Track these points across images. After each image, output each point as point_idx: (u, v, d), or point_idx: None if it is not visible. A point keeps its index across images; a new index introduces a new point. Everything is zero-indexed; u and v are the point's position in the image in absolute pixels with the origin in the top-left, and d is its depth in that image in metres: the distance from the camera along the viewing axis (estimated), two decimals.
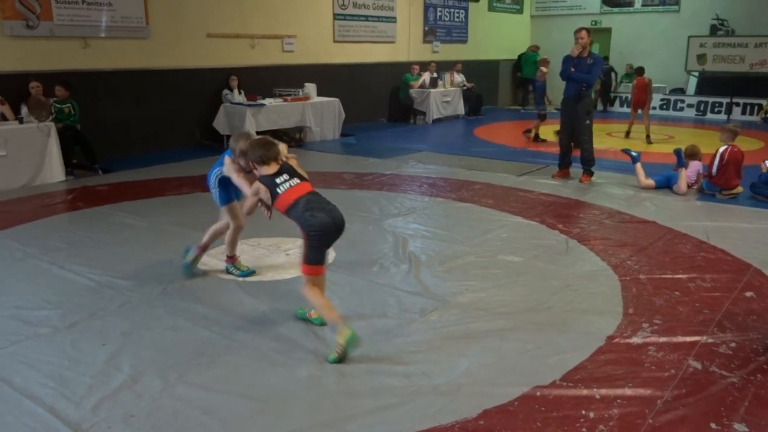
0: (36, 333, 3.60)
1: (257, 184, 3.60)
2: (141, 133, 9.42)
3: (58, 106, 7.88)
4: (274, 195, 3.52)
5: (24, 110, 7.52)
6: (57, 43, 8.36)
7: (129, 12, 9.01)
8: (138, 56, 9.26)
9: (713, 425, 2.75)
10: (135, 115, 9.31)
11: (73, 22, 8.44)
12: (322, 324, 3.66)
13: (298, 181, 3.58)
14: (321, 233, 3.40)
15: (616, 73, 16.36)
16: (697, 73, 15.95)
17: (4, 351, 3.39)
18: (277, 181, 3.54)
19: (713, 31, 15.93)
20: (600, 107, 15.64)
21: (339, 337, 3.28)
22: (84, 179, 7.73)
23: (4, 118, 7.42)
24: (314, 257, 3.43)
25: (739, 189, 6.89)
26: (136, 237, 5.42)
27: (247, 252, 4.99)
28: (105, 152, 8.43)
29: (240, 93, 10.19)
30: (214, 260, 4.79)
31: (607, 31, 17.32)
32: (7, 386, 3.04)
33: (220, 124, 9.97)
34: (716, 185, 6.92)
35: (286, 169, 3.61)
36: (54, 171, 7.51)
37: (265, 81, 10.87)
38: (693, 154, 7.33)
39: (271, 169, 3.59)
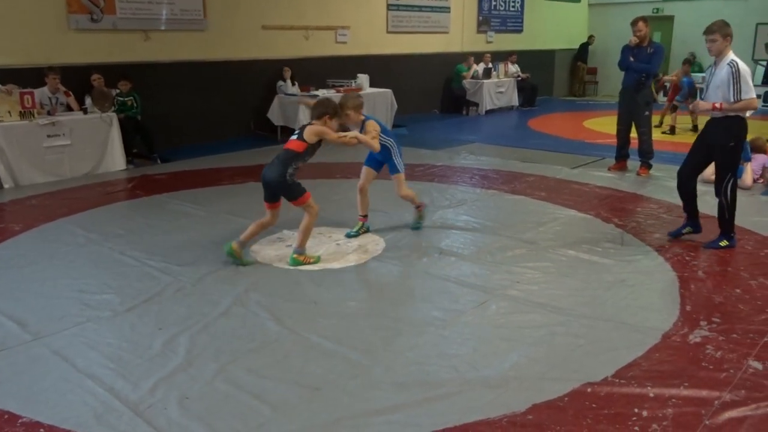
0: (97, 316, 3.75)
1: None
2: (198, 124, 9.65)
3: (121, 99, 8.14)
4: None
5: (88, 101, 7.81)
6: (119, 36, 8.63)
7: (188, 5, 9.22)
8: (196, 48, 9.48)
9: None
10: (192, 105, 9.53)
11: (135, 15, 8.70)
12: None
13: (294, 138, 4.42)
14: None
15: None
16: (765, 63, 15.26)
17: (67, 332, 3.54)
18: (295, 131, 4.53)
19: None
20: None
21: (231, 244, 4.48)
22: (143, 168, 7.98)
23: (69, 109, 7.71)
24: None
25: None
26: (192, 225, 5.56)
27: None
28: (163, 142, 8.68)
29: (294, 84, 10.30)
30: (266, 248, 4.88)
31: (669, 19, 16.74)
32: (70, 366, 3.17)
33: (274, 114, 10.12)
34: None
35: (303, 127, 4.46)
36: (115, 160, 7.78)
37: (319, 72, 10.97)
38: (759, 147, 7.04)
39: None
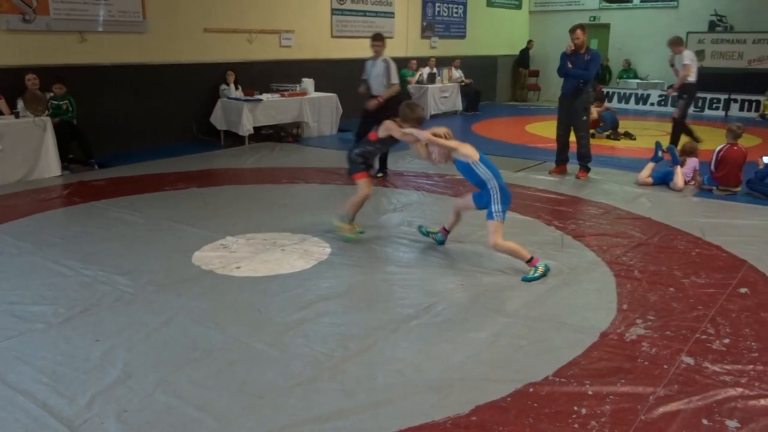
0: (30, 328, 3.60)
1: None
2: (138, 128, 9.40)
3: (56, 102, 7.86)
4: None
5: (20, 105, 7.50)
6: (54, 37, 8.34)
7: (126, 6, 8.98)
8: (135, 51, 9.24)
9: (705, 421, 2.76)
10: (132, 109, 9.29)
11: (69, 16, 8.41)
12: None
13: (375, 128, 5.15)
14: None
15: (610, 74, 16.69)
16: None
17: None
18: None
19: (712, 27, 15.92)
20: None
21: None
22: (80, 174, 7.72)
23: (0, 113, 7.39)
24: None
25: (738, 188, 6.89)
26: (131, 232, 5.41)
27: (243, 246, 4.98)
28: (101, 147, 8.42)
29: (237, 88, 10.17)
30: (209, 255, 4.79)
31: (606, 27, 17.31)
32: (0, 382, 3.04)
33: (217, 119, 9.95)
34: (716, 181, 6.93)
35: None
36: (50, 166, 7.49)
37: (263, 76, 10.85)
38: (691, 150, 7.33)
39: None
